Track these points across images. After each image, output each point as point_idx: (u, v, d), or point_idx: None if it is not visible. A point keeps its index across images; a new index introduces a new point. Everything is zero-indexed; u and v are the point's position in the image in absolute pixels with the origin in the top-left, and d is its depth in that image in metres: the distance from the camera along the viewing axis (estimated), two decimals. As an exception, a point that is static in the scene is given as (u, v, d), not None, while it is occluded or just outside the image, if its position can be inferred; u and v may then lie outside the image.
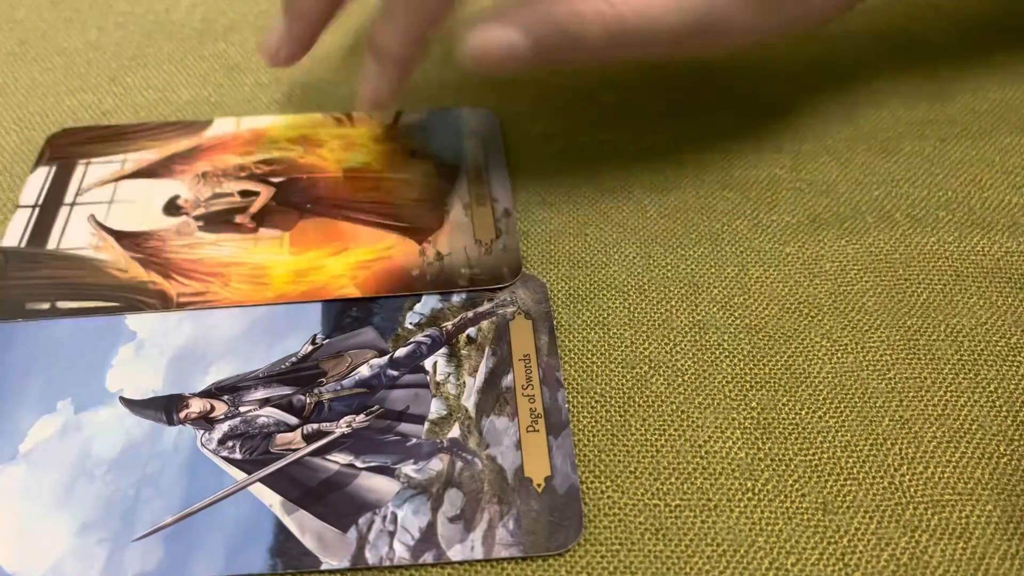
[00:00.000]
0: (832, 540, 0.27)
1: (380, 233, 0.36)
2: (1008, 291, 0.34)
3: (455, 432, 0.29)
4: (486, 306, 0.33)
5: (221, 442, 0.29)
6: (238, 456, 0.29)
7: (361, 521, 0.27)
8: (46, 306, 0.33)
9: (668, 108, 0.42)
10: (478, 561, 0.26)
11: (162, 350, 0.32)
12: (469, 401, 0.30)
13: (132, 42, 0.46)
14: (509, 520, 0.27)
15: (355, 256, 0.35)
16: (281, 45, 0.38)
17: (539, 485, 0.28)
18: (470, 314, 0.33)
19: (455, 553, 0.26)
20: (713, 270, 0.35)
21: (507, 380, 0.31)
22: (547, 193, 0.38)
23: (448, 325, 0.32)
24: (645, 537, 0.27)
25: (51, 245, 0.35)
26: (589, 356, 0.32)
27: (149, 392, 0.30)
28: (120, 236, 0.35)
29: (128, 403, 0.30)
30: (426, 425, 0.29)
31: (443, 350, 0.32)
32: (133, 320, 0.32)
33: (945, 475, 0.29)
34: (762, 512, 0.28)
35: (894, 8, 0.48)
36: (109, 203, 0.37)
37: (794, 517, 0.27)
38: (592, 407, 0.30)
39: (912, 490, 0.28)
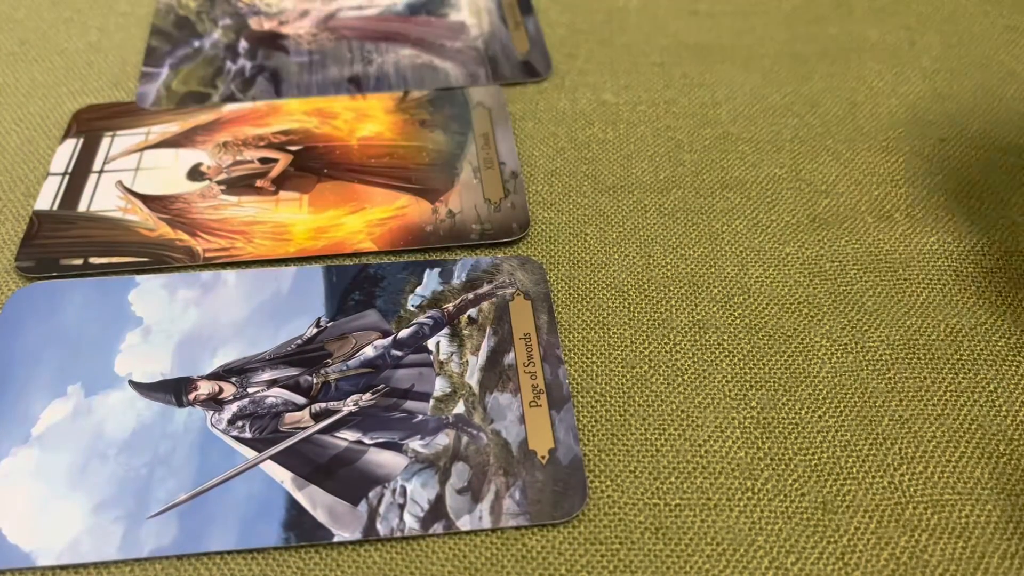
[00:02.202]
0: (832, 539, 0.27)
1: (394, 194, 0.37)
2: (1008, 291, 0.34)
3: (460, 408, 0.30)
4: (486, 288, 0.34)
5: (231, 422, 0.30)
6: (248, 435, 0.29)
7: (371, 495, 0.28)
8: (79, 262, 0.35)
9: (667, 108, 0.42)
10: (486, 530, 0.27)
11: (169, 335, 0.32)
12: (472, 379, 0.31)
13: (133, 43, 0.46)
14: (515, 491, 0.28)
15: (371, 215, 0.36)
16: None
17: (543, 457, 0.29)
18: (470, 295, 0.33)
19: (464, 523, 0.27)
20: (713, 270, 0.35)
21: (509, 358, 0.31)
22: (548, 189, 0.38)
23: (449, 306, 0.33)
24: (645, 536, 0.27)
25: (82, 208, 0.37)
26: (589, 356, 0.32)
27: (158, 375, 0.31)
28: (147, 199, 0.37)
29: (137, 386, 0.31)
30: (431, 402, 0.30)
31: (445, 330, 0.32)
32: (139, 306, 0.33)
33: (945, 475, 0.29)
34: (762, 511, 0.28)
35: (894, 8, 0.48)
36: (135, 170, 0.39)
37: (794, 516, 0.28)
38: (592, 406, 0.31)
39: (912, 489, 0.28)
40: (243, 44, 0.46)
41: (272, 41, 0.46)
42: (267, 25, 0.47)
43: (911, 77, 0.44)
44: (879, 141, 0.41)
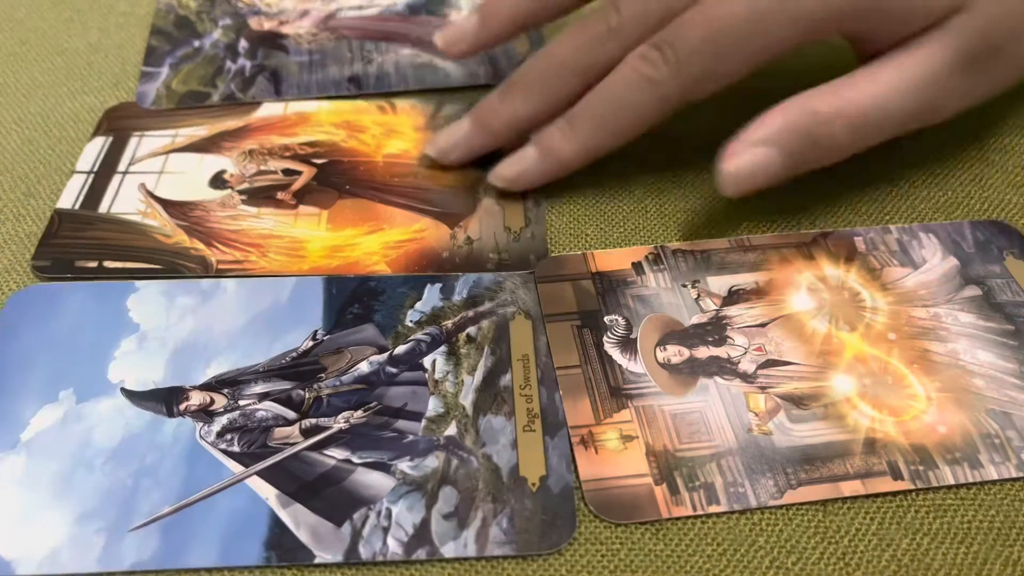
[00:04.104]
0: (833, 540, 0.27)
1: (414, 216, 0.37)
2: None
3: (452, 430, 0.29)
4: (487, 305, 0.33)
5: (220, 435, 0.29)
6: (236, 449, 0.29)
7: (355, 516, 0.27)
8: (94, 264, 0.34)
9: None
10: (471, 559, 0.26)
11: (164, 343, 0.32)
12: (467, 399, 0.30)
13: (133, 43, 0.46)
14: (503, 518, 0.27)
15: (389, 236, 0.36)
16: (462, 41, 0.38)
17: (534, 484, 0.28)
18: (471, 313, 0.33)
19: (448, 550, 0.26)
20: (714, 272, 0.35)
21: (505, 379, 0.31)
22: (548, 189, 0.38)
23: (448, 323, 0.33)
24: (645, 536, 0.27)
25: (103, 209, 0.37)
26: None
27: (150, 384, 0.31)
28: (167, 204, 0.37)
29: (129, 394, 0.30)
30: (423, 422, 0.30)
31: (442, 348, 0.32)
32: (136, 312, 0.33)
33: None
34: (763, 511, 0.28)
35: None
36: (159, 173, 0.39)
37: (794, 517, 0.27)
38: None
39: (914, 492, 0.28)
40: (243, 44, 0.45)
41: (272, 41, 0.46)
42: (267, 25, 0.47)
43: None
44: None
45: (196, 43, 0.46)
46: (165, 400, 0.30)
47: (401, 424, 0.30)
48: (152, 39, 0.46)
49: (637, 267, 0.34)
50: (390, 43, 0.45)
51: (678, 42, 0.33)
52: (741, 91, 0.42)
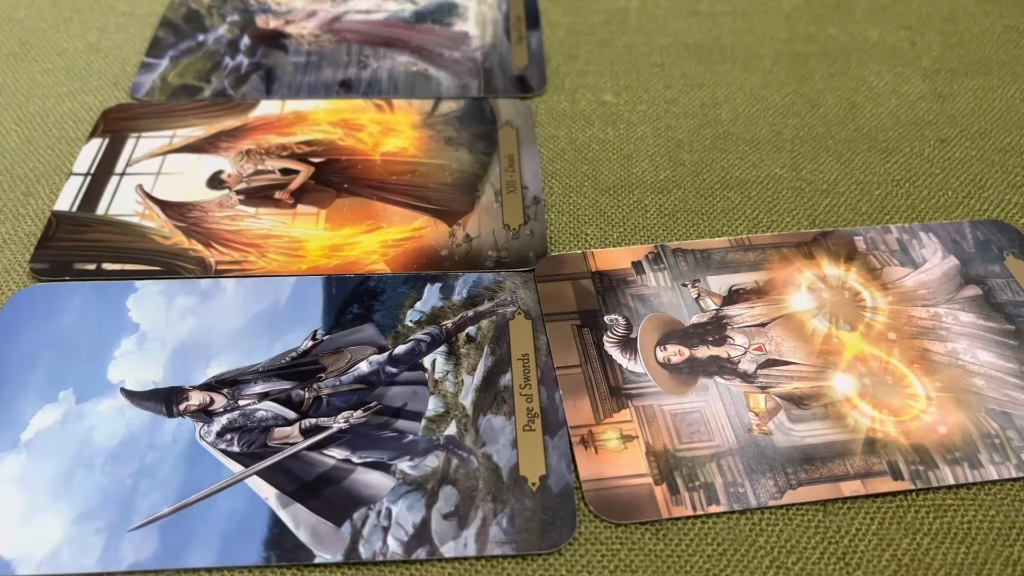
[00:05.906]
0: (833, 540, 0.27)
1: (412, 214, 0.37)
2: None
3: (452, 430, 0.29)
4: (486, 305, 0.33)
5: (219, 435, 0.29)
6: (236, 449, 0.29)
7: (355, 516, 0.27)
8: (92, 267, 0.34)
9: (667, 108, 0.42)
10: (471, 558, 0.26)
11: (164, 343, 0.32)
12: (467, 399, 0.30)
13: (133, 43, 0.46)
14: (503, 518, 0.27)
15: (387, 235, 0.36)
16: None
17: (534, 484, 0.28)
18: (470, 313, 0.33)
19: (448, 550, 0.26)
20: (715, 273, 0.35)
21: (505, 379, 0.31)
22: (549, 190, 0.38)
23: (448, 323, 0.32)
24: (645, 536, 0.27)
25: (100, 211, 0.37)
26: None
27: (150, 384, 0.31)
28: (165, 206, 0.37)
29: (128, 394, 0.30)
30: (423, 422, 0.30)
31: (442, 348, 0.32)
32: (136, 312, 0.33)
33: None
34: (763, 512, 0.28)
35: (894, 8, 0.48)
36: (156, 175, 0.38)
37: (795, 517, 0.27)
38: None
39: (914, 492, 0.28)
40: (245, 41, 0.45)
41: (274, 40, 0.46)
42: (273, 23, 0.47)
43: (911, 77, 0.44)
44: (879, 141, 0.40)
45: (200, 37, 0.46)
46: (165, 400, 0.30)
47: (401, 424, 0.30)
48: (160, 31, 0.46)
49: (637, 266, 0.34)
50: (389, 49, 0.45)
51: None
52: (742, 90, 0.43)
